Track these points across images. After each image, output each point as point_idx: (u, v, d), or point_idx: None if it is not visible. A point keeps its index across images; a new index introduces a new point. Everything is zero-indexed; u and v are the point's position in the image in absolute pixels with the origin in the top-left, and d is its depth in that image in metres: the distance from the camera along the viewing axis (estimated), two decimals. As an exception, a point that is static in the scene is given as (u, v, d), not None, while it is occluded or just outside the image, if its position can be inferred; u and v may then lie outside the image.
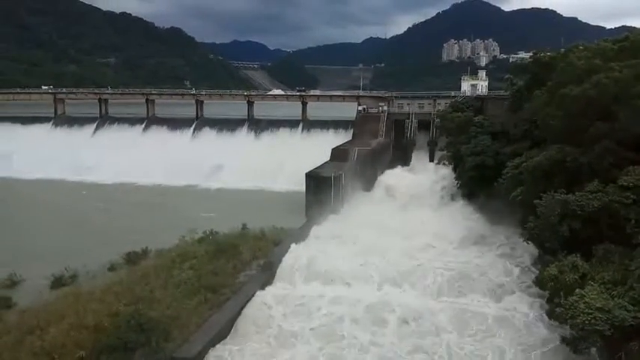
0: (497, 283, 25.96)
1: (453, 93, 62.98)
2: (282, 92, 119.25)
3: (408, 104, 60.24)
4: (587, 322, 17.96)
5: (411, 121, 56.81)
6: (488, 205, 38.03)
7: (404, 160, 53.54)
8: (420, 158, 53.46)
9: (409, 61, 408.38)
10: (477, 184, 39.69)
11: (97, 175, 59.41)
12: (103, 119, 75.30)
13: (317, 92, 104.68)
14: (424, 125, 56.44)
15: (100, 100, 78.25)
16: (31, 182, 59.27)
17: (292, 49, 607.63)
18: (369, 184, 47.00)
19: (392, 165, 52.43)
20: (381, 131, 56.64)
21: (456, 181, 43.55)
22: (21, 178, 60.47)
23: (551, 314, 21.40)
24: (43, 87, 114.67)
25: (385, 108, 59.73)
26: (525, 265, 28.08)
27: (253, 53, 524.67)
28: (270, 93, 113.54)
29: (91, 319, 19.86)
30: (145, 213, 44.58)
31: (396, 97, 62.47)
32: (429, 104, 59.72)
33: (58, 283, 26.32)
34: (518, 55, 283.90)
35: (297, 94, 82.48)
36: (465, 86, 64.54)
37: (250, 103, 72.35)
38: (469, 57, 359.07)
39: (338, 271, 27.25)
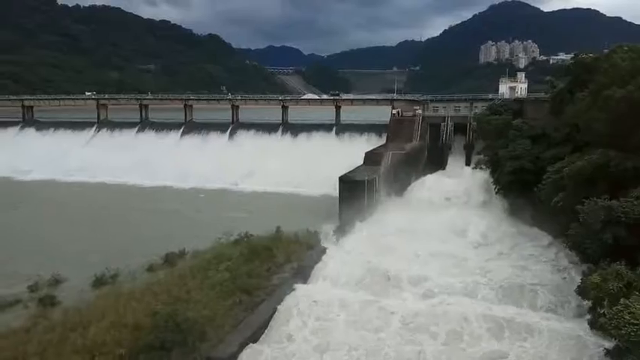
0: (545, 295, 24.79)
1: (490, 96, 61.66)
2: (316, 97, 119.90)
3: (444, 107, 59.34)
4: (632, 333, 17.17)
5: (447, 124, 55.81)
6: (527, 210, 37.04)
7: (439, 164, 52.65)
8: (456, 162, 52.45)
9: (445, 63, 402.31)
10: (515, 189, 38.72)
11: (136, 178, 61.14)
12: (144, 124, 77.65)
13: (350, 96, 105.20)
14: (460, 129, 55.38)
15: (140, 105, 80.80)
16: (74, 184, 61.70)
17: (326, 54, 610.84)
18: (403, 188, 46.52)
19: (427, 169, 51.66)
20: (416, 135, 55.95)
21: (494, 186, 42.57)
22: (65, 180, 63.10)
23: (593, 324, 20.58)
24: (87, 93, 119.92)
25: (420, 111, 59.00)
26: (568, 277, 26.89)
27: (288, 58, 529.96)
28: (304, 97, 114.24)
29: (130, 318, 20.36)
30: (182, 215, 45.63)
31: (431, 100, 61.67)
32: (466, 107, 58.63)
33: (99, 282, 27.18)
34: (558, 57, 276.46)
35: (331, 98, 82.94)
36: (504, 89, 63.11)
37: (284, 108, 73.11)
38: (507, 59, 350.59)
39: (372, 276, 27.04)
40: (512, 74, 69.53)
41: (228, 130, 71.72)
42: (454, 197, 44.67)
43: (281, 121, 71.83)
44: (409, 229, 35.95)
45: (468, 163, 51.69)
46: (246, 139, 69.11)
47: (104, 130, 77.90)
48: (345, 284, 26.69)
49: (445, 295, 24.95)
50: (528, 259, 30.43)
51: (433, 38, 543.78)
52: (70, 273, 28.53)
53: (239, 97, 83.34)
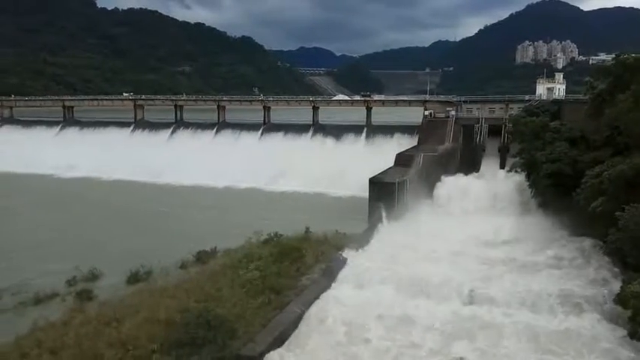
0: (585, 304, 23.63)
1: (527, 97, 60.17)
2: (347, 98, 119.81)
3: (478, 109, 58.27)
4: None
5: (481, 126, 54.67)
6: (565, 215, 35.91)
7: (472, 166, 51.65)
8: (489, 165, 51.36)
9: (480, 64, 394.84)
10: (552, 193, 37.62)
11: (171, 178, 62.50)
12: (178, 124, 79.36)
13: (382, 97, 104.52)
14: (495, 131, 54.23)
15: (175, 106, 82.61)
16: (111, 182, 63.66)
17: (358, 55, 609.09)
18: (434, 190, 45.83)
19: (460, 172, 50.75)
20: (449, 137, 55.05)
21: (530, 190, 41.48)
22: (102, 179, 65.15)
23: (633, 335, 19.77)
24: (124, 94, 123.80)
25: (453, 113, 58.08)
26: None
27: (320, 59, 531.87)
28: (335, 98, 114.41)
29: (163, 313, 20.75)
30: (214, 214, 46.33)
31: (464, 101, 60.66)
32: (501, 109, 57.44)
33: (134, 278, 27.92)
34: (598, 57, 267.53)
35: (362, 99, 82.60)
36: (541, 90, 61.46)
37: (315, 109, 73.28)
38: (545, 59, 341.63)
39: (403, 280, 26.71)
40: (550, 75, 67.58)
41: (260, 131, 72.47)
42: (487, 200, 43.70)
43: (312, 122, 72.03)
44: (440, 232, 35.43)
45: (502, 166, 50.53)
46: (277, 140, 69.60)
47: (140, 130, 79.97)
48: (374, 287, 26.47)
49: (483, 303, 24.31)
50: (565, 266, 29.45)
51: (468, 38, 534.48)
52: (107, 269, 29.41)
53: (271, 98, 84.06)
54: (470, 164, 52.13)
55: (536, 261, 30.42)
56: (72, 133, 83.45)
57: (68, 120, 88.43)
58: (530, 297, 24.48)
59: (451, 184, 47.01)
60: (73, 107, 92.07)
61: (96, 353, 18.03)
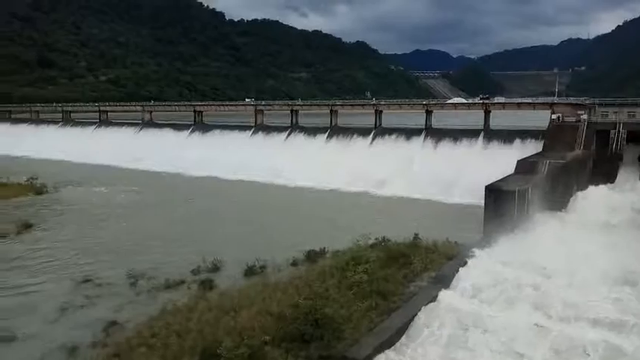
0: None
1: (676, 99, 52.68)
2: (463, 100, 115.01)
3: (615, 113, 52.21)
4: None
5: (618, 131, 48.92)
6: None
7: (607, 177, 46.36)
8: (628, 175, 45.73)
9: (618, 63, 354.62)
10: None
11: (286, 179, 65.27)
12: (293, 128, 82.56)
13: (502, 100, 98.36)
14: (635, 137, 48.18)
15: (291, 111, 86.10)
16: (232, 182, 68.20)
17: (476, 56, 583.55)
18: (561, 202, 41.88)
19: (592, 182, 45.84)
20: (579, 143, 50.05)
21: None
22: (226, 178, 70.02)
23: None
24: (247, 99, 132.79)
25: (585, 117, 52.74)
26: None
27: (436, 62, 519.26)
28: (450, 101, 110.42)
29: (275, 307, 21.73)
30: (323, 215, 47.40)
31: (599, 104, 54.77)
32: (643, 112, 50.92)
33: (250, 271, 29.76)
34: None
35: (480, 102, 78.65)
36: (694, 91, 53.39)
37: (428, 112, 71.37)
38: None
39: (521, 297, 24.88)
40: None
41: (371, 135, 72.41)
42: (626, 217, 38.81)
43: (424, 126, 70.33)
44: (568, 249, 32.22)
45: (644, 177, 44.78)
46: (388, 144, 68.89)
47: (259, 133, 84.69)
48: (486, 301, 24.97)
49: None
50: None
51: (604, 35, 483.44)
52: (227, 261, 31.65)
53: (382, 102, 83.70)
54: (604, 174, 46.89)
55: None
56: (200, 135, 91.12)
57: (198, 123, 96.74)
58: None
59: (581, 195, 42.70)
60: (202, 112, 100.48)
61: (215, 339, 19.36)
